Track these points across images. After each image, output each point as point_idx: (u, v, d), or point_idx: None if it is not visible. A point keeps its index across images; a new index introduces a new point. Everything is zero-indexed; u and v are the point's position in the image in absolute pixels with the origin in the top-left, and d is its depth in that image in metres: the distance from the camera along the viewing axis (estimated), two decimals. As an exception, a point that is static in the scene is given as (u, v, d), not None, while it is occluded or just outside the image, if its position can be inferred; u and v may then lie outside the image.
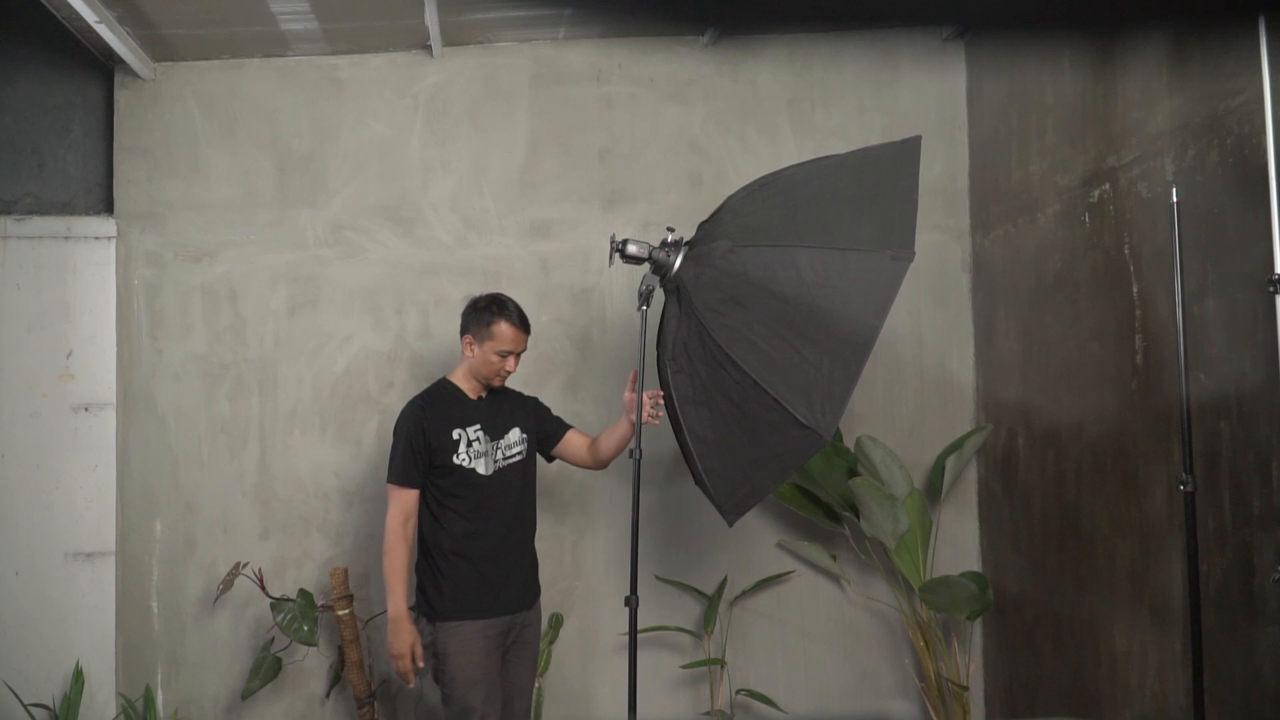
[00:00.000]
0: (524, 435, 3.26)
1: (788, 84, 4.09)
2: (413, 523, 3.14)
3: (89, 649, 3.75)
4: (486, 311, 3.17)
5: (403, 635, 3.06)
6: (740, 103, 4.07)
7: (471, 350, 3.18)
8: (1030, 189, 3.64)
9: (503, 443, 3.20)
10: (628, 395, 3.10)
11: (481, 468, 3.15)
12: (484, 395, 3.24)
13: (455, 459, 3.12)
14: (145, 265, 3.89)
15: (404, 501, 3.12)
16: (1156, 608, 2.98)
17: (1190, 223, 2.68)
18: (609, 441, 3.27)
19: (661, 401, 2.96)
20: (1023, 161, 3.69)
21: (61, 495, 3.79)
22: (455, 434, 3.14)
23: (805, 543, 3.93)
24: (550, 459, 3.41)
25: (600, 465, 3.37)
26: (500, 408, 3.26)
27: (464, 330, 3.21)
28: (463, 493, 3.13)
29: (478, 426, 3.17)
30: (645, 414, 2.95)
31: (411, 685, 3.13)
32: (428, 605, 3.13)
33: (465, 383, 3.22)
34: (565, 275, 3.99)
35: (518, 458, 3.23)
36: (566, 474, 3.83)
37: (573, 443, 3.36)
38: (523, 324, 3.19)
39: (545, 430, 3.36)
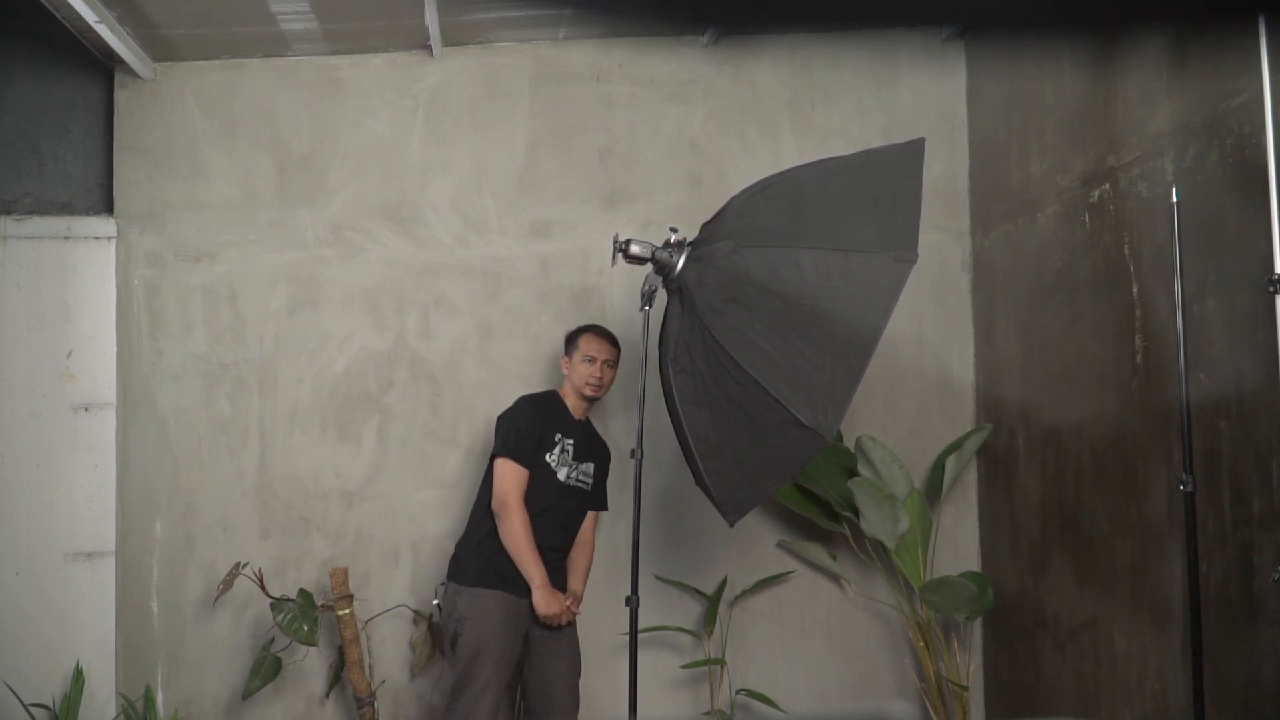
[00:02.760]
0: (596, 475, 3.53)
1: (788, 84, 4.09)
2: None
3: (89, 649, 3.75)
4: (576, 331, 3.52)
5: (552, 601, 3.27)
6: (740, 103, 4.07)
7: (568, 366, 3.48)
8: (1030, 189, 3.64)
9: (582, 466, 3.45)
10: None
11: (561, 475, 3.38)
12: (582, 420, 3.49)
13: (547, 457, 3.37)
14: (145, 265, 3.89)
15: (519, 475, 3.30)
16: (1156, 608, 2.98)
17: (1190, 223, 2.68)
18: (571, 566, 3.52)
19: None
20: (1023, 161, 3.69)
21: (61, 495, 3.78)
22: (556, 435, 3.40)
23: (805, 543, 3.93)
24: None
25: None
26: (590, 438, 3.53)
27: (564, 354, 3.51)
28: (538, 488, 3.33)
29: (572, 441, 3.43)
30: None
31: (565, 622, 3.35)
32: (459, 571, 3.34)
33: (569, 399, 3.48)
34: (565, 275, 3.99)
35: (584, 486, 3.47)
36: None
37: (584, 523, 3.56)
38: (607, 336, 3.48)
39: (593, 493, 3.56)
